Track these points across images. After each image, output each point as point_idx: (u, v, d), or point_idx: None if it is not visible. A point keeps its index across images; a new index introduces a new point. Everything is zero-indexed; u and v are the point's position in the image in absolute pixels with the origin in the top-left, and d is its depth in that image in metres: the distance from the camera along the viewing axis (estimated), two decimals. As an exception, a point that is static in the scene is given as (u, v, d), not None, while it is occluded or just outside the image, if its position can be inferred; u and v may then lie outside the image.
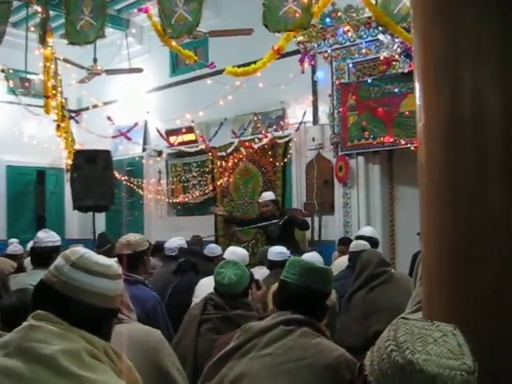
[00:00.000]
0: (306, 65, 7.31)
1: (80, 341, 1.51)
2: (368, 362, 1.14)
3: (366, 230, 5.80)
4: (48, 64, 5.60)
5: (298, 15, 4.51)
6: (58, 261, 1.61)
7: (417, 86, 1.81)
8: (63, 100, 7.04)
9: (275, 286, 2.97)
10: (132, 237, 3.66)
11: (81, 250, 1.65)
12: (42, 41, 5.27)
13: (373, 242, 5.41)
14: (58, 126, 7.15)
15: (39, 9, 5.04)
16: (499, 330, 1.58)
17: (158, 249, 6.61)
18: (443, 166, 1.70)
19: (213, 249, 5.59)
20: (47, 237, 4.27)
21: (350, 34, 7.19)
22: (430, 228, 1.78)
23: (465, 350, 1.10)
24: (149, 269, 4.13)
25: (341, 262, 5.27)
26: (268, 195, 7.44)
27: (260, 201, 7.52)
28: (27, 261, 5.07)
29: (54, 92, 6.04)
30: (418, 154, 1.82)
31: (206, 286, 3.98)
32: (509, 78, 1.63)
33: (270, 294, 3.76)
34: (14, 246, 6.62)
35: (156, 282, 4.95)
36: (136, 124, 9.83)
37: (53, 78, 5.94)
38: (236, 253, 4.47)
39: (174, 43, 4.96)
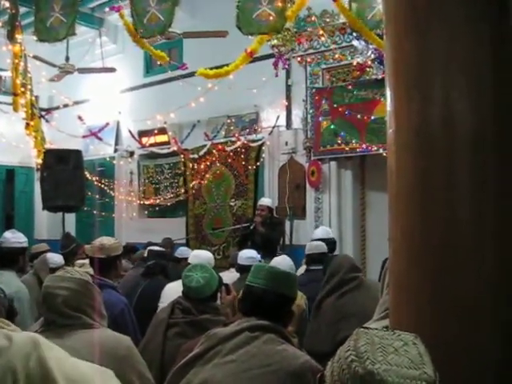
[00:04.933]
0: (280, 69, 7.30)
1: None
2: (328, 373, 1.12)
3: (319, 233, 5.63)
4: (17, 61, 5.51)
5: (271, 18, 4.50)
6: None
7: (388, 92, 1.82)
8: (33, 98, 6.93)
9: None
10: (106, 241, 3.60)
11: None
12: (11, 37, 5.18)
13: (330, 242, 5.37)
14: (28, 125, 7.04)
15: (7, 4, 4.95)
16: (467, 337, 1.58)
17: (128, 250, 6.56)
18: (413, 173, 1.70)
19: (182, 251, 5.57)
20: (14, 237, 4.20)
21: (324, 39, 7.21)
22: (398, 236, 1.77)
23: (425, 360, 1.09)
24: (120, 272, 4.10)
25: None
26: (266, 201, 7.66)
27: (258, 203, 7.69)
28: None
29: (22, 90, 5.93)
30: (388, 160, 1.82)
31: (171, 291, 3.94)
32: (478, 86, 1.65)
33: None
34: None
35: (125, 284, 4.91)
36: (108, 124, 9.72)
37: (22, 75, 5.84)
38: (200, 256, 4.41)
39: (146, 43, 4.91)
